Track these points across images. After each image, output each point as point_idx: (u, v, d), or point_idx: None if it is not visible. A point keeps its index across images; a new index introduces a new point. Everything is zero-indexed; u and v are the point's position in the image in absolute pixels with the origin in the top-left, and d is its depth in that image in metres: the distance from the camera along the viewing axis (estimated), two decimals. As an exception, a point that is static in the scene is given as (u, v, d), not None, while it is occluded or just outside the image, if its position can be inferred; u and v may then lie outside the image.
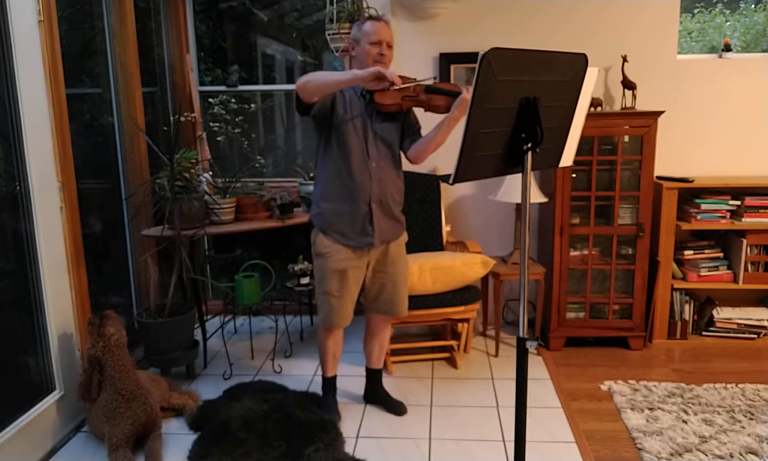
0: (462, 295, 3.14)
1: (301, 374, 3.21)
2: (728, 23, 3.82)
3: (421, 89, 2.36)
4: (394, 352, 3.31)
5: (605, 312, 3.46)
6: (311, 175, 3.54)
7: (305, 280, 3.42)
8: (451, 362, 3.32)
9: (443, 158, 3.67)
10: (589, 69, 1.76)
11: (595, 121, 3.21)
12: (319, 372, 2.80)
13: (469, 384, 3.08)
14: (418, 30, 3.62)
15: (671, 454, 2.39)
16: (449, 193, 3.77)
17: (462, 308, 3.16)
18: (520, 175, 1.73)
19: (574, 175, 3.31)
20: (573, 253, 3.41)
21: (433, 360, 3.36)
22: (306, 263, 3.44)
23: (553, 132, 1.78)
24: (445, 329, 3.56)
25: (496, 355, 3.41)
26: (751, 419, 2.65)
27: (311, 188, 3.32)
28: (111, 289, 3.40)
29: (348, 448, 2.50)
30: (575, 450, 2.46)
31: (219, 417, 2.64)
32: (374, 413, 2.81)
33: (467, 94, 2.25)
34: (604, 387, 3.00)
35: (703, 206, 3.40)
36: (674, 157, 3.63)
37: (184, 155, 3.13)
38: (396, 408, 2.79)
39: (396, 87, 2.24)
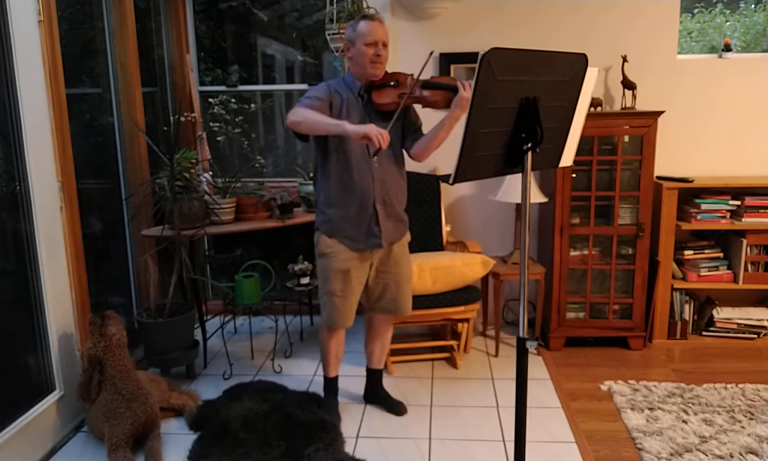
0: (462, 295, 3.14)
1: (301, 374, 3.21)
2: (728, 23, 3.82)
3: (418, 85, 2.34)
4: (394, 352, 3.31)
5: (605, 312, 3.46)
6: (311, 175, 3.54)
7: (305, 280, 3.42)
8: (451, 362, 3.32)
9: (443, 158, 3.68)
10: (589, 69, 1.76)
11: (595, 121, 3.21)
12: (320, 371, 2.80)
13: (469, 384, 3.08)
14: (418, 30, 3.62)
15: (671, 454, 2.39)
16: (449, 193, 3.77)
17: (462, 308, 3.16)
18: (520, 175, 1.73)
19: (574, 175, 3.31)
20: (573, 253, 3.41)
21: (433, 360, 3.36)
22: (306, 263, 3.44)
23: (553, 132, 1.78)
24: (445, 329, 3.56)
25: (496, 355, 3.41)
26: (751, 419, 2.65)
27: (311, 187, 3.32)
28: (111, 289, 3.40)
29: (348, 448, 2.51)
30: (575, 450, 2.46)
31: (219, 417, 2.64)
32: (374, 413, 2.81)
33: (465, 92, 2.23)
34: (604, 387, 3.00)
35: (703, 206, 3.40)
36: (674, 157, 3.63)
37: (184, 155, 3.13)
38: (396, 408, 2.79)
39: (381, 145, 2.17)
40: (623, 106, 3.49)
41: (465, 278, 3.11)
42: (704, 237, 3.62)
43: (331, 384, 2.78)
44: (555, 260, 3.36)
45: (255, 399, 2.80)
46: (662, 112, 3.23)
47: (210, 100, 3.73)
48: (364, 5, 3.34)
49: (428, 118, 2.56)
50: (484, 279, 3.47)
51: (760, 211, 3.37)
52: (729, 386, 2.96)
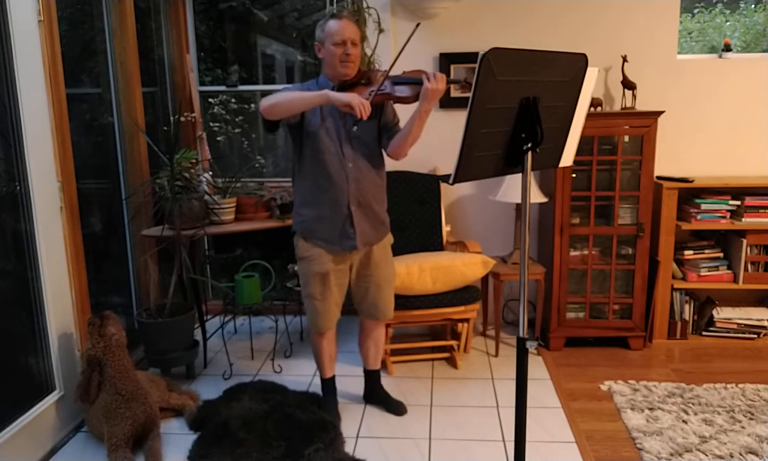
0: (462, 295, 3.14)
1: (301, 374, 3.21)
2: (728, 23, 3.82)
3: (388, 80, 2.31)
4: (394, 352, 3.31)
5: (605, 312, 3.46)
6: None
7: (305, 280, 3.41)
8: (451, 362, 3.32)
9: (443, 158, 3.68)
10: (589, 69, 1.76)
11: (595, 121, 3.21)
12: (318, 373, 2.80)
13: (469, 384, 3.08)
14: (418, 30, 3.61)
15: (671, 454, 2.39)
16: (449, 193, 3.77)
17: (462, 308, 3.16)
18: (520, 175, 1.73)
19: (574, 175, 3.31)
20: (573, 253, 3.41)
21: (433, 360, 3.36)
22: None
23: (553, 132, 1.78)
24: (445, 329, 3.56)
25: (496, 355, 3.40)
26: (751, 419, 2.65)
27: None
28: (111, 289, 3.40)
29: (348, 448, 2.50)
30: (575, 450, 2.46)
31: (219, 417, 2.64)
32: (374, 413, 2.81)
33: (429, 83, 2.19)
34: (604, 387, 3.00)
35: (703, 206, 3.40)
36: (674, 157, 3.63)
37: (184, 155, 3.13)
38: (396, 408, 2.79)
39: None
40: (623, 106, 3.49)
41: (465, 278, 3.11)
42: (704, 237, 3.62)
43: (328, 384, 2.78)
44: (555, 260, 3.36)
45: (255, 399, 2.80)
46: (662, 112, 3.23)
47: (210, 100, 3.73)
48: (364, 5, 3.34)
49: (405, 116, 2.52)
50: (484, 279, 3.47)
51: (760, 211, 3.36)
52: (729, 386, 2.96)
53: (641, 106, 3.50)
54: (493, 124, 1.61)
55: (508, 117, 1.64)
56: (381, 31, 3.45)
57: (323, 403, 2.77)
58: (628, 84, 3.40)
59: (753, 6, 3.81)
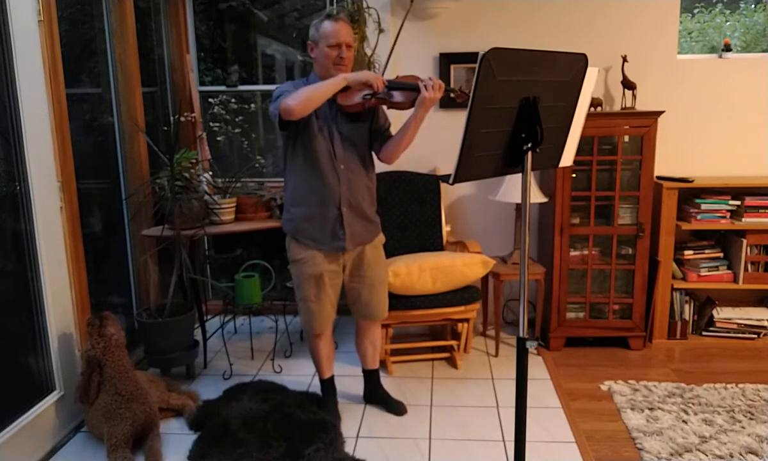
0: (462, 295, 3.14)
1: (301, 374, 3.21)
2: (728, 23, 3.82)
3: (383, 87, 2.31)
4: (394, 352, 3.31)
5: (605, 312, 3.46)
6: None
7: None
8: (451, 362, 3.32)
9: (443, 158, 3.68)
10: (589, 69, 1.76)
11: (595, 121, 3.21)
12: (317, 374, 2.80)
13: (469, 384, 3.08)
14: (418, 30, 3.62)
15: (671, 454, 2.39)
16: (449, 193, 3.77)
17: (462, 308, 3.16)
18: (520, 175, 1.73)
19: (574, 175, 3.31)
20: (573, 253, 3.41)
21: (433, 360, 3.36)
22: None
23: (553, 132, 1.78)
24: (445, 329, 3.56)
25: (496, 355, 3.40)
26: (751, 419, 2.65)
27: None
28: (111, 289, 3.40)
29: (348, 448, 2.50)
30: (575, 450, 2.46)
31: (219, 417, 2.64)
32: (374, 413, 2.81)
33: (427, 93, 2.22)
34: (604, 387, 3.00)
35: (703, 206, 3.40)
36: (674, 157, 3.63)
37: (184, 155, 3.13)
38: (396, 408, 2.79)
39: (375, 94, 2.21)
40: (623, 106, 3.49)
41: (465, 278, 3.11)
42: (704, 237, 3.62)
43: (327, 385, 2.78)
44: (555, 260, 3.36)
45: (255, 399, 2.80)
46: (662, 112, 3.23)
47: (210, 100, 3.73)
48: (364, 5, 3.34)
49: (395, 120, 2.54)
50: (484, 279, 3.47)
51: (760, 211, 3.36)
52: (729, 386, 2.96)
53: (641, 106, 3.50)
54: (493, 124, 1.61)
55: (508, 117, 1.64)
56: (381, 31, 3.45)
57: (323, 403, 2.77)
58: (628, 84, 3.40)
59: (753, 6, 3.81)
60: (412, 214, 3.52)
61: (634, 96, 3.42)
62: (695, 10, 3.81)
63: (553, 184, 3.32)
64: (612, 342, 3.48)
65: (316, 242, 2.45)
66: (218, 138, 3.71)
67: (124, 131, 3.34)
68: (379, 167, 2.64)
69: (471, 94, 1.50)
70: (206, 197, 3.22)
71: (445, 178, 3.60)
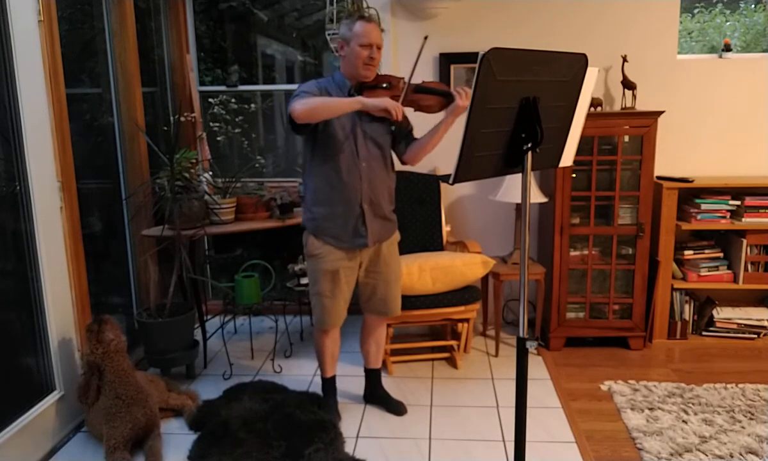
0: (462, 295, 3.14)
1: (301, 374, 3.21)
2: (728, 23, 3.82)
3: (410, 89, 2.34)
4: (394, 352, 3.31)
5: (605, 312, 3.46)
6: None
7: (305, 280, 3.41)
8: (451, 362, 3.32)
9: (443, 158, 3.68)
10: (589, 69, 1.76)
11: (595, 121, 3.21)
12: (320, 371, 2.80)
13: (469, 384, 3.08)
14: (418, 30, 3.62)
15: (671, 454, 2.39)
16: (449, 193, 3.77)
17: (462, 308, 3.16)
18: (520, 175, 1.73)
19: (574, 175, 3.31)
20: (573, 253, 3.41)
21: (433, 360, 3.36)
22: (306, 263, 3.43)
23: (553, 132, 1.78)
24: (445, 329, 3.56)
25: (496, 355, 3.40)
26: (751, 419, 2.65)
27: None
28: (111, 289, 3.40)
29: (348, 448, 2.50)
30: (575, 450, 2.46)
31: (219, 417, 2.64)
32: (374, 413, 2.81)
33: (461, 100, 2.25)
34: (604, 387, 3.00)
35: (703, 206, 3.40)
36: (674, 157, 3.63)
37: (184, 155, 3.13)
38: (396, 408, 2.79)
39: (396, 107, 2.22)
40: (623, 106, 3.49)
41: (465, 278, 3.11)
42: (704, 237, 3.62)
43: (329, 384, 2.78)
44: (555, 260, 3.36)
45: (255, 399, 2.80)
46: (662, 112, 3.23)
47: (210, 100, 3.73)
48: (364, 5, 3.34)
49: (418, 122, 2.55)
50: (484, 279, 3.47)
51: (760, 211, 3.36)
52: (729, 386, 2.96)
53: (641, 106, 3.50)
54: (493, 124, 1.61)
55: (508, 117, 1.64)
56: (381, 31, 3.44)
57: (323, 403, 2.77)
58: (628, 84, 3.40)
59: (753, 6, 3.81)
60: (412, 214, 3.53)
61: (634, 96, 3.42)
62: (695, 10, 3.81)
63: (553, 184, 3.32)
64: (612, 342, 3.48)
65: (338, 240, 2.47)
66: (218, 138, 3.71)
67: (124, 131, 3.34)
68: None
69: (466, 101, 1.50)
70: (206, 197, 3.22)
71: (445, 178, 3.60)
